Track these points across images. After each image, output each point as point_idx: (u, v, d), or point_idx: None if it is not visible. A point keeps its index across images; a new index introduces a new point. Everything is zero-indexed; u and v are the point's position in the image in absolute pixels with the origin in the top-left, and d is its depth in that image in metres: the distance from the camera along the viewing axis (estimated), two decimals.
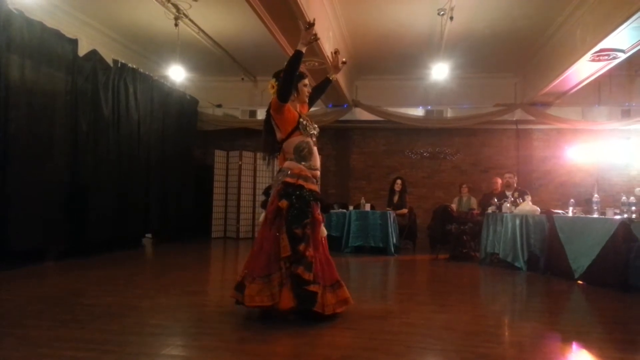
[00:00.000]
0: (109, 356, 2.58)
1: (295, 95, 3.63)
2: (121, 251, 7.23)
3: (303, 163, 3.51)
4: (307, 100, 3.77)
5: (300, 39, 3.47)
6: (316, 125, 3.69)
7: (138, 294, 4.33)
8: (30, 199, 5.65)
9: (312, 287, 3.27)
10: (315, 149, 3.61)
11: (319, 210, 3.54)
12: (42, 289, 4.47)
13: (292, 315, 3.32)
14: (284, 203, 3.36)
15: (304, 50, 3.45)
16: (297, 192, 3.39)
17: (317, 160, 3.62)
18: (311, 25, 3.46)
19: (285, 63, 3.46)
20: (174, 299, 4.22)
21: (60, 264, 5.92)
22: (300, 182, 3.42)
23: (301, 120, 3.57)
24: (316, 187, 3.53)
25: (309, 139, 3.58)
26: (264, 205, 3.64)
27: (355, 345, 2.90)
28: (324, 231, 3.60)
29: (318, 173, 3.64)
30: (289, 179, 3.43)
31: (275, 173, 3.78)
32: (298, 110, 3.65)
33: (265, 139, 3.72)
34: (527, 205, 6.67)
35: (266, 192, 3.70)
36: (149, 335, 3.04)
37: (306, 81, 3.68)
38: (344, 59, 3.99)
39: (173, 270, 6.03)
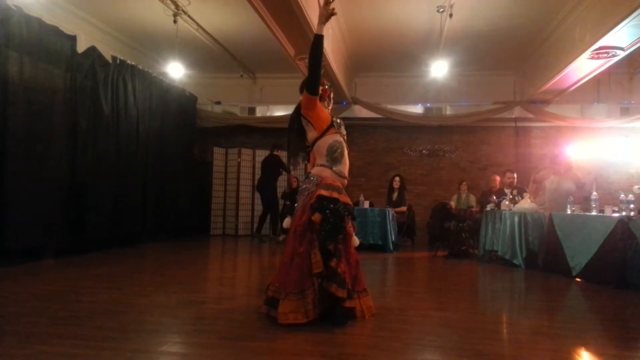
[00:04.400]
0: (107, 353, 2.58)
1: (326, 103, 3.61)
2: (119, 248, 7.23)
3: (334, 168, 3.42)
4: (329, 111, 3.66)
5: (318, 18, 3.28)
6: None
7: (136, 291, 4.33)
8: (28, 197, 5.63)
9: (348, 304, 3.22)
10: (347, 153, 3.51)
11: (350, 223, 3.46)
12: (40, 286, 4.47)
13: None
14: (317, 217, 3.22)
15: (323, 32, 3.29)
16: (332, 206, 3.25)
17: (347, 166, 3.51)
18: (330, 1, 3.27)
19: (309, 52, 3.34)
20: (172, 296, 4.22)
21: (58, 261, 5.91)
22: (335, 194, 3.29)
23: (334, 119, 3.53)
24: (349, 200, 3.41)
25: (342, 139, 3.49)
26: (290, 211, 3.55)
27: (353, 342, 2.91)
28: (356, 241, 3.54)
29: (346, 182, 3.52)
30: (323, 192, 3.27)
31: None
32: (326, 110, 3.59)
33: (293, 139, 3.59)
34: (526, 203, 6.68)
35: (285, 196, 3.59)
36: (147, 332, 3.04)
37: (325, 81, 3.59)
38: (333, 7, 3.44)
39: (171, 268, 6.02)
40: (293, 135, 3.59)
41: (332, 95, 3.71)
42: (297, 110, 3.55)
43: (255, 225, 9.60)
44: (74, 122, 6.48)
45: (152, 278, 5.32)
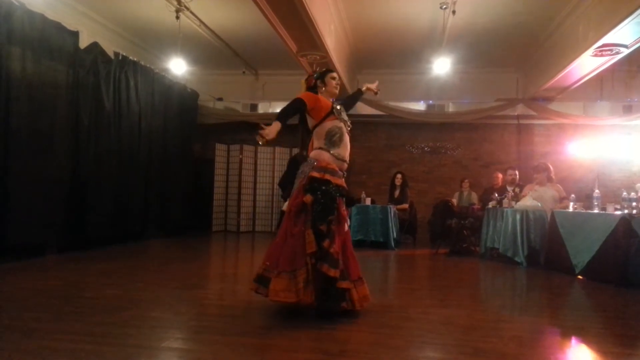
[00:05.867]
0: (109, 349, 2.59)
1: (323, 88, 3.61)
2: (121, 245, 7.24)
3: (332, 151, 3.46)
4: (335, 92, 3.68)
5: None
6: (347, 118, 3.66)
7: (138, 287, 4.34)
8: (30, 193, 5.64)
9: (340, 284, 3.24)
10: (347, 137, 3.55)
11: (344, 206, 3.49)
12: (42, 281, 4.48)
13: (313, 311, 3.27)
14: (308, 198, 3.29)
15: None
16: (323, 187, 3.31)
17: (347, 149, 3.55)
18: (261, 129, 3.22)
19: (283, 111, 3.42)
20: (174, 292, 4.22)
21: (60, 257, 5.93)
22: (327, 176, 3.34)
23: (335, 106, 3.57)
24: (343, 182, 3.45)
25: (341, 125, 3.53)
26: (288, 194, 3.62)
27: (355, 339, 2.91)
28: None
29: (346, 165, 3.56)
30: (315, 174, 3.34)
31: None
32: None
33: (301, 129, 3.71)
34: (528, 200, 6.66)
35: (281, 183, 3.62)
36: (149, 328, 3.05)
37: (334, 74, 3.67)
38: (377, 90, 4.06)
39: (173, 264, 6.04)
40: (302, 126, 3.69)
41: (325, 79, 3.65)
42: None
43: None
44: (76, 118, 6.49)
45: (154, 274, 5.33)
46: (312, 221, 3.27)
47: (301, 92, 3.64)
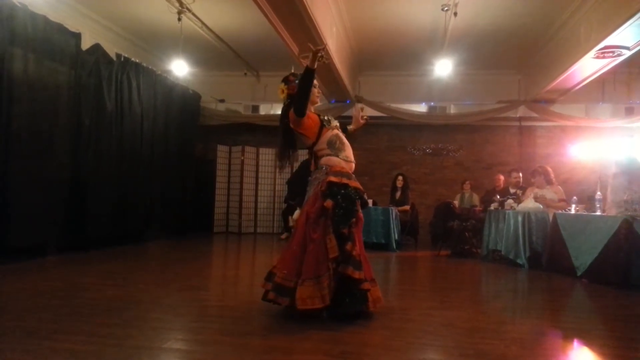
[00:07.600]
0: (110, 350, 2.59)
1: None
2: (122, 246, 7.24)
3: (340, 155, 3.49)
4: (316, 101, 3.71)
5: (310, 58, 3.42)
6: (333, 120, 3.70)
7: (139, 288, 4.34)
8: (31, 194, 5.65)
9: (364, 285, 3.27)
10: (345, 140, 3.60)
11: (360, 208, 3.53)
12: (43, 282, 4.48)
13: (326, 313, 3.27)
14: (329, 203, 3.29)
15: (314, 67, 3.39)
16: (342, 191, 3.34)
17: (350, 150, 3.59)
18: (319, 49, 3.42)
19: (298, 80, 3.49)
20: (175, 293, 4.22)
21: (61, 258, 5.93)
22: (344, 180, 3.37)
23: (322, 117, 3.60)
24: (359, 184, 3.48)
25: (337, 132, 3.59)
26: (299, 203, 3.60)
27: (355, 341, 2.90)
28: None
29: (353, 165, 3.59)
30: (332, 178, 3.35)
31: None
32: (312, 111, 3.65)
33: (283, 147, 3.72)
34: (530, 203, 6.65)
35: (290, 185, 3.61)
36: (150, 329, 3.05)
37: (314, 82, 3.64)
38: (365, 116, 3.97)
39: (175, 265, 6.04)
40: (285, 145, 3.72)
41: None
42: (287, 122, 3.59)
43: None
44: (78, 120, 6.50)
45: (155, 275, 5.33)
46: (333, 225, 3.28)
47: (280, 98, 3.65)
